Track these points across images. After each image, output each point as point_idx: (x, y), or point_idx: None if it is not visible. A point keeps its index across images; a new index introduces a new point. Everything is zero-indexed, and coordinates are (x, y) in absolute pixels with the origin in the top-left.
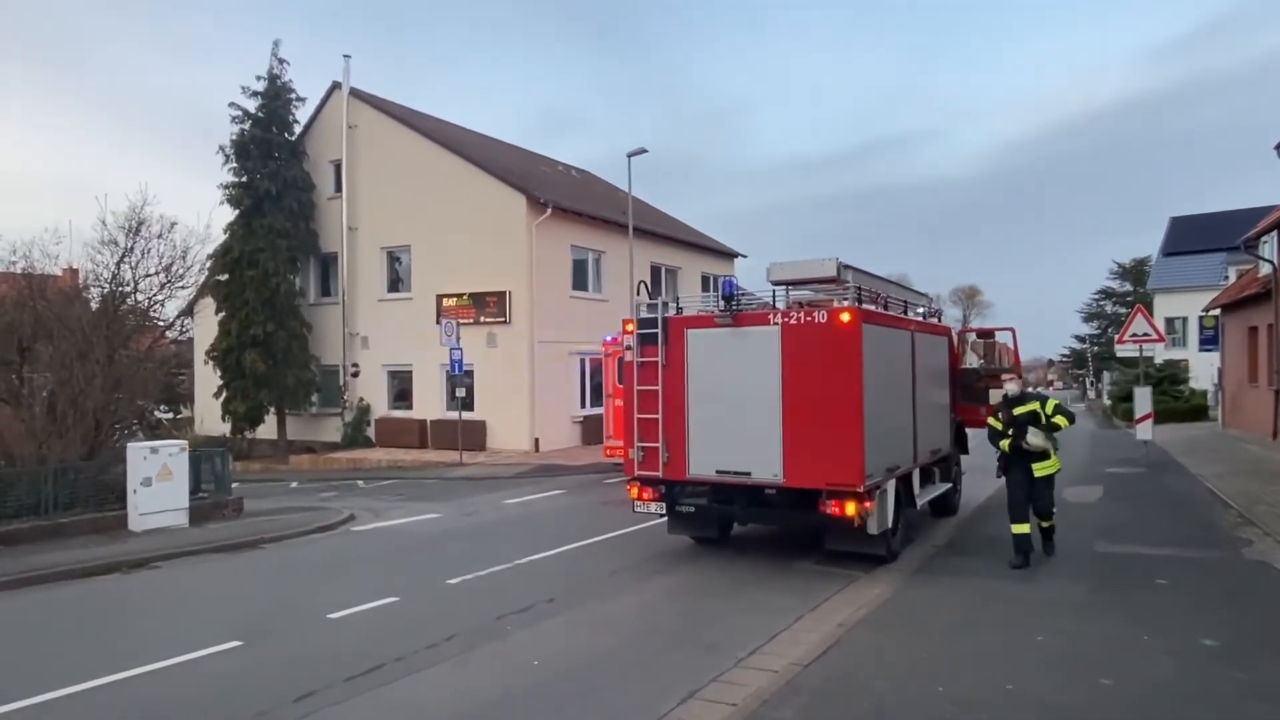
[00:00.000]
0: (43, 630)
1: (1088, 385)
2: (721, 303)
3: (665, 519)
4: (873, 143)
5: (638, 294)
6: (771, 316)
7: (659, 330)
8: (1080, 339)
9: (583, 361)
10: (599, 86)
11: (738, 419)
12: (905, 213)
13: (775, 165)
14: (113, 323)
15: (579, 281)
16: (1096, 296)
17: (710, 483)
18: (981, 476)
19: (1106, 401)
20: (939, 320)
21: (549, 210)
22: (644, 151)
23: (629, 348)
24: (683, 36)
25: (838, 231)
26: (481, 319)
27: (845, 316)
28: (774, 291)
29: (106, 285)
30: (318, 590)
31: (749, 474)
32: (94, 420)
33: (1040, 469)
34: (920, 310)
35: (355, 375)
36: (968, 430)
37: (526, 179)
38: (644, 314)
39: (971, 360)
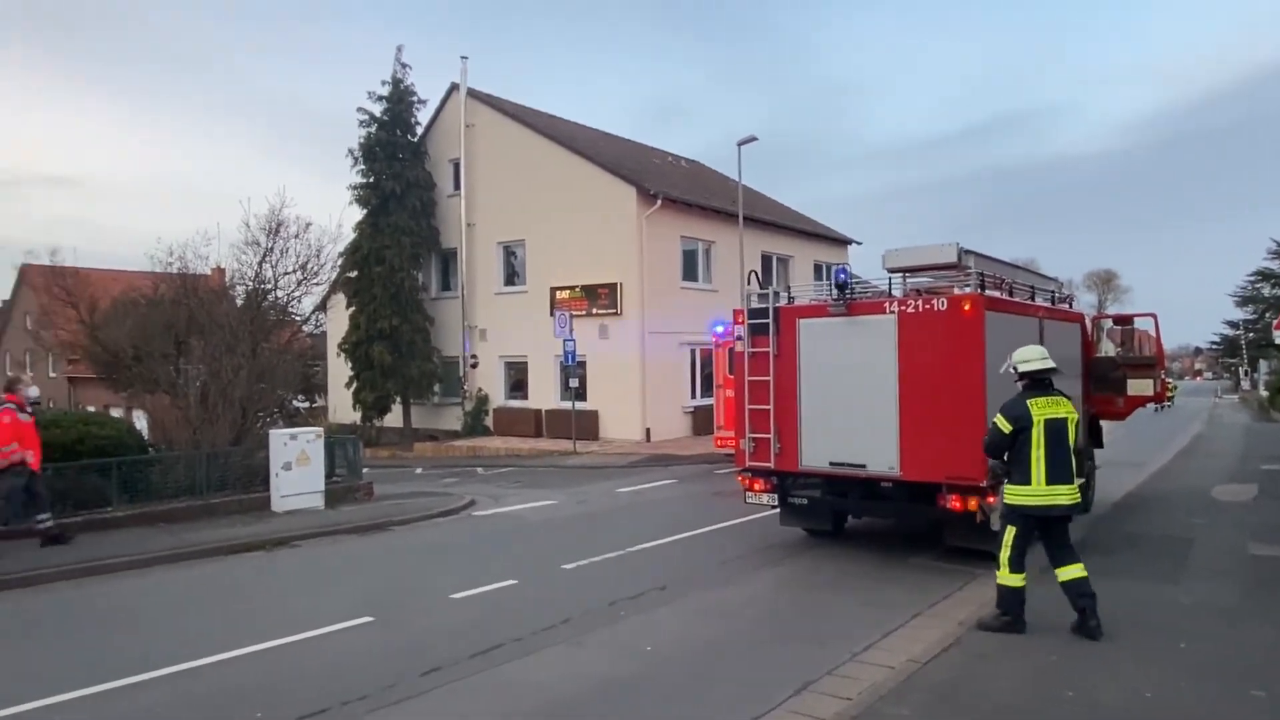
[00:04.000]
0: (199, 602)
1: (1241, 375)
2: (835, 291)
3: (777, 510)
4: (998, 120)
5: (748, 284)
6: (887, 305)
7: (770, 320)
8: (1233, 325)
9: (693, 352)
10: (709, 74)
11: (852, 410)
12: (1033, 193)
13: (892, 147)
14: (256, 318)
15: (689, 272)
16: (1252, 278)
17: (823, 474)
18: (1118, 471)
19: (1263, 392)
20: (1070, 306)
21: (659, 201)
22: (754, 139)
23: (739, 338)
24: (796, 16)
25: (959, 215)
26: (593, 310)
27: (966, 304)
28: (890, 279)
29: (250, 283)
30: (441, 571)
31: (864, 466)
32: (241, 409)
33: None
34: (1049, 296)
35: (474, 366)
36: (1102, 423)
37: (637, 171)
38: (755, 304)
39: (1108, 348)
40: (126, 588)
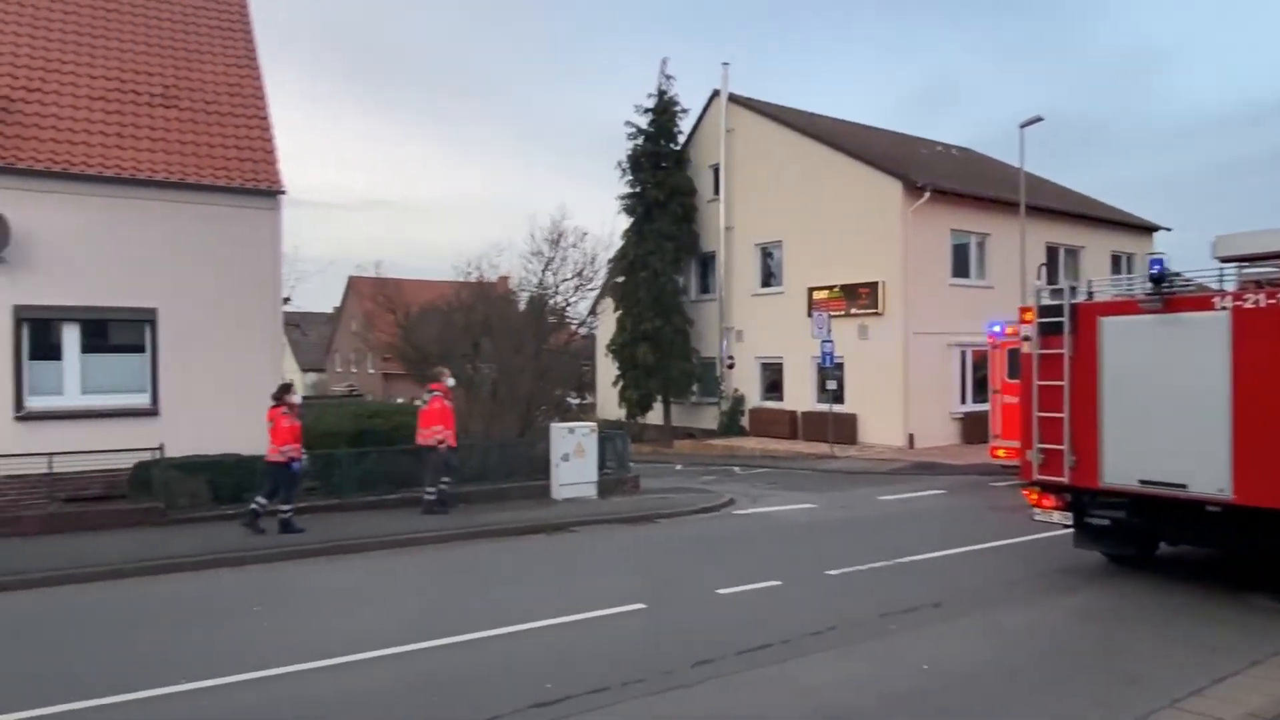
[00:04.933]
0: (492, 577)
1: None
2: (1149, 284)
3: (1070, 530)
4: None
5: (1037, 278)
6: (1217, 300)
7: (1065, 318)
8: None
9: (963, 354)
10: (984, 53)
11: (1168, 421)
12: None
13: (1206, 119)
14: (539, 321)
15: (959, 268)
16: None
17: (1131, 494)
18: None
19: None
20: None
21: (926, 194)
22: (1039, 120)
23: (1027, 338)
24: None
25: None
26: (852, 311)
27: None
28: (1221, 270)
29: (534, 289)
30: (706, 566)
31: (1184, 486)
32: (525, 404)
33: None
34: None
35: (730, 367)
36: None
37: (901, 163)
38: (1046, 300)
39: None
40: (428, 559)
